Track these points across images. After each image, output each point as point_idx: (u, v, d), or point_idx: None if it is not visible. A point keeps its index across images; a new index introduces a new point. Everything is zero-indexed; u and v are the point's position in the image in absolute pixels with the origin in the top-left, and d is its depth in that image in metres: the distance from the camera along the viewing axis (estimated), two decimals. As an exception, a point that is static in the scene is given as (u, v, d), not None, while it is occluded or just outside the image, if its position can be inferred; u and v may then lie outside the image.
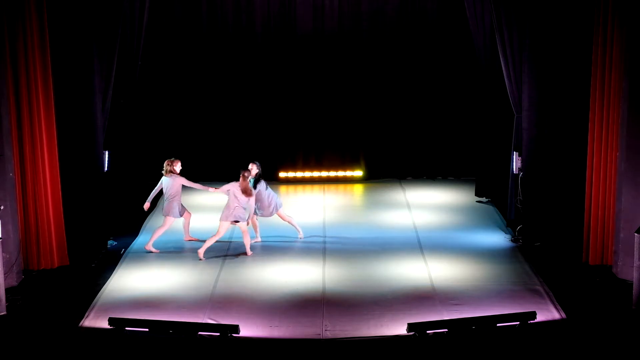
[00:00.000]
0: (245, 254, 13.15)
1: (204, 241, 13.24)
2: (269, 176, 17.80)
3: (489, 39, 14.60)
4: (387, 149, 17.87)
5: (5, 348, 9.98)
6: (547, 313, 10.80)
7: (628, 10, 11.70)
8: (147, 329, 10.24)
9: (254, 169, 13.31)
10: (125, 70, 14.11)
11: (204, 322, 10.59)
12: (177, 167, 13.43)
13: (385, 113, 17.68)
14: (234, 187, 12.96)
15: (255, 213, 13.42)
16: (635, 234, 10.89)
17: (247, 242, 13.15)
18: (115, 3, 13.04)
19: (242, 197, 12.90)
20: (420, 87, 17.59)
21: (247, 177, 13.00)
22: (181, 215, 13.53)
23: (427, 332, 10.14)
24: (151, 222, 15.05)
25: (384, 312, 10.89)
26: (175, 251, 13.39)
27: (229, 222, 12.97)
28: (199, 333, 10.17)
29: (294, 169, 17.89)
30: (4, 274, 11.08)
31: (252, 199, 13.07)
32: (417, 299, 11.37)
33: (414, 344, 10.01)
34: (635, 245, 10.84)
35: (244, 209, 12.95)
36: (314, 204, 16.22)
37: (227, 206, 12.97)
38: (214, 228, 14.43)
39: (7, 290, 11.23)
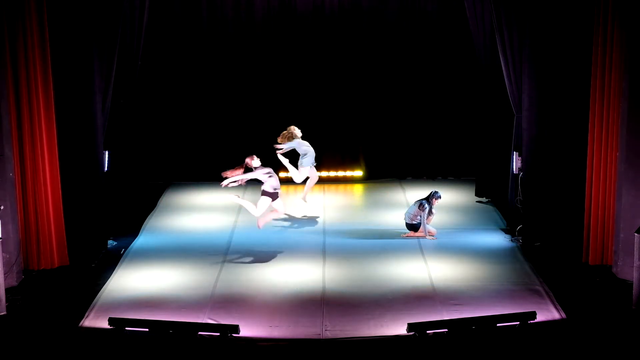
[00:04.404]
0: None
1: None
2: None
3: (489, 39, 14.60)
4: (387, 149, 17.87)
5: (5, 348, 9.99)
6: (547, 313, 10.80)
7: (628, 10, 11.70)
8: (147, 329, 10.23)
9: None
10: (125, 70, 14.11)
11: (204, 322, 10.59)
12: (254, 162, 13.56)
13: (385, 113, 17.67)
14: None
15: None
16: (635, 234, 10.89)
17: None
18: (115, 3, 13.04)
19: None
20: (420, 87, 17.58)
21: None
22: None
23: (427, 332, 10.15)
24: (151, 222, 15.04)
25: (384, 312, 10.89)
26: (175, 251, 13.38)
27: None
28: (199, 333, 10.17)
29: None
30: (4, 274, 11.08)
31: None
32: (417, 299, 11.37)
33: (414, 344, 10.01)
34: (635, 245, 10.85)
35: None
36: (314, 204, 16.20)
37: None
38: (214, 227, 14.48)
39: (7, 290, 11.23)
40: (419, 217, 13.87)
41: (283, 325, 10.59)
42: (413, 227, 13.97)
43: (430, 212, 13.97)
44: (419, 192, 15.79)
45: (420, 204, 13.86)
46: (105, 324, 10.39)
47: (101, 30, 12.86)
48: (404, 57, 17.41)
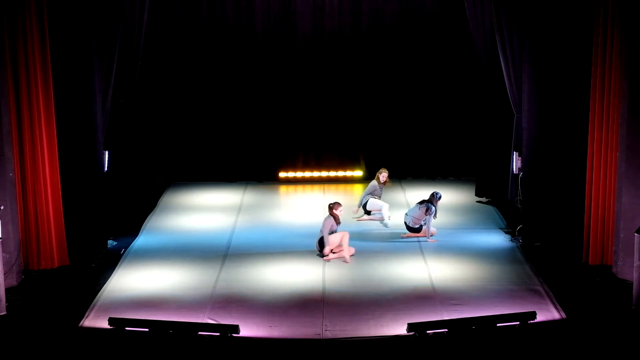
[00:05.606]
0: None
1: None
2: (270, 176, 17.84)
3: (489, 39, 14.61)
4: (387, 149, 17.86)
5: (5, 348, 9.99)
6: (547, 313, 10.80)
7: (628, 10, 11.70)
8: (147, 329, 10.23)
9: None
10: (125, 70, 14.11)
11: (204, 322, 10.59)
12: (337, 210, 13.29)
13: (385, 113, 17.67)
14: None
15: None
16: (635, 234, 10.89)
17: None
18: (115, 3, 13.04)
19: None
20: (420, 87, 17.58)
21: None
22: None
23: (427, 332, 10.14)
24: (151, 222, 15.04)
25: (384, 312, 10.89)
26: (175, 251, 13.38)
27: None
28: (199, 333, 10.17)
29: (294, 169, 17.88)
30: (4, 274, 11.08)
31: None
32: (417, 299, 11.37)
33: (414, 344, 10.01)
34: (635, 245, 10.85)
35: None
36: (314, 204, 16.20)
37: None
38: (214, 227, 14.49)
39: (7, 290, 11.23)
40: (422, 221, 13.84)
41: (283, 325, 10.58)
42: (414, 230, 13.95)
43: (434, 215, 13.97)
44: (419, 192, 15.82)
45: (427, 207, 13.80)
46: (105, 324, 10.39)
47: (101, 30, 12.86)
48: (404, 57, 17.41)
